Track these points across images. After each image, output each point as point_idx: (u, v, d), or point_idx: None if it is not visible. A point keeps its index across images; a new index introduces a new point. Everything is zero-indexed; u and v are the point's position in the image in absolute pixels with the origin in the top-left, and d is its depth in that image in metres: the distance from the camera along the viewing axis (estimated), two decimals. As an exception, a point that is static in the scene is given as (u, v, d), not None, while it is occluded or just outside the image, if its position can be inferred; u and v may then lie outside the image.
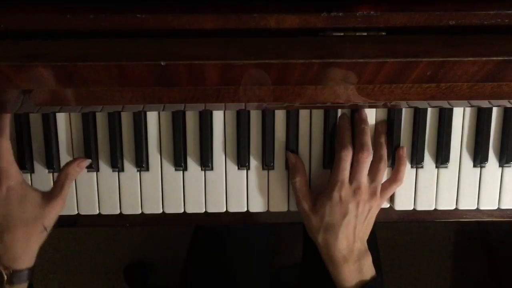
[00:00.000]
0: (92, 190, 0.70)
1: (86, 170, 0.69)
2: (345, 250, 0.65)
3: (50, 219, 0.63)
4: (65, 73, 0.49)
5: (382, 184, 0.68)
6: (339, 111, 0.69)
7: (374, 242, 0.85)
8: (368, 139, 0.67)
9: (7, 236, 0.61)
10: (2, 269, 0.60)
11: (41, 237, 0.63)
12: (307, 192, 0.68)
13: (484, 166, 0.71)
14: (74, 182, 0.69)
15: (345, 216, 0.65)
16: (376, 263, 0.67)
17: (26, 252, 0.62)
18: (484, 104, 0.66)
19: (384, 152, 0.68)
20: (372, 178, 0.67)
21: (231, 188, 0.71)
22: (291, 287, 1.09)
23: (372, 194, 0.66)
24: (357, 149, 0.67)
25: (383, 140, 0.69)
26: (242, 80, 0.51)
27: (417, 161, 0.70)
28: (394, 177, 0.69)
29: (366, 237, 0.68)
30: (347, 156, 0.66)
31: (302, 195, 0.68)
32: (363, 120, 0.68)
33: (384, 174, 0.68)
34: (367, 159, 0.66)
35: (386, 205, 0.72)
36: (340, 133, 0.68)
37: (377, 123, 0.70)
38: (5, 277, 0.60)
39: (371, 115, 0.70)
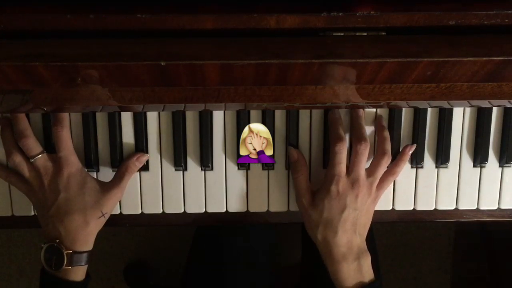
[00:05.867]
0: (92, 190, 0.70)
1: (85, 170, 0.69)
2: (345, 246, 0.64)
3: (107, 206, 0.66)
4: (65, 73, 0.49)
5: None
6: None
7: (372, 245, 0.85)
8: (365, 132, 0.67)
9: (67, 219, 0.64)
10: (63, 250, 0.63)
11: (99, 223, 0.66)
12: (308, 187, 0.68)
13: (484, 166, 0.71)
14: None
15: (343, 210, 0.64)
16: (374, 265, 0.67)
17: (85, 235, 0.65)
18: (484, 104, 0.66)
19: (388, 147, 0.67)
20: (371, 172, 0.66)
21: (231, 188, 0.71)
22: (291, 287, 1.09)
23: (369, 187, 0.66)
24: (355, 141, 0.66)
25: (386, 134, 0.68)
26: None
27: (417, 161, 0.70)
28: (391, 170, 0.68)
29: (365, 233, 0.67)
30: (343, 148, 0.65)
31: (303, 190, 0.67)
32: (359, 116, 0.68)
33: (383, 170, 0.68)
34: (365, 150, 0.66)
35: (387, 207, 0.72)
36: (333, 126, 0.68)
37: (377, 118, 0.70)
38: (66, 257, 0.63)
39: (371, 115, 0.70)
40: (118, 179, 0.67)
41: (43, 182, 0.64)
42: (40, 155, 0.65)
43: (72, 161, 0.65)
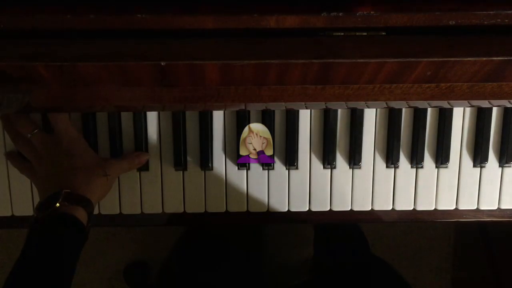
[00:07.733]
0: (92, 190, 0.70)
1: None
2: None
3: (110, 168, 0.66)
4: (65, 73, 0.49)
5: None
6: (339, 111, 0.70)
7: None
8: None
9: (70, 179, 0.62)
10: (61, 190, 0.60)
11: (102, 181, 0.65)
12: None
13: (484, 166, 0.71)
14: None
15: None
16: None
17: (87, 189, 0.63)
18: (484, 104, 0.66)
19: None
20: None
21: (231, 188, 0.71)
22: (291, 287, 1.09)
23: None
24: None
25: None
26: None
27: (417, 161, 0.70)
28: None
29: None
30: None
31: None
32: None
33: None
34: None
35: (387, 207, 0.72)
36: None
37: None
38: (63, 194, 0.60)
39: (371, 115, 0.70)
40: (116, 158, 0.68)
41: (42, 156, 0.65)
42: (36, 130, 0.65)
43: (71, 131, 0.66)
